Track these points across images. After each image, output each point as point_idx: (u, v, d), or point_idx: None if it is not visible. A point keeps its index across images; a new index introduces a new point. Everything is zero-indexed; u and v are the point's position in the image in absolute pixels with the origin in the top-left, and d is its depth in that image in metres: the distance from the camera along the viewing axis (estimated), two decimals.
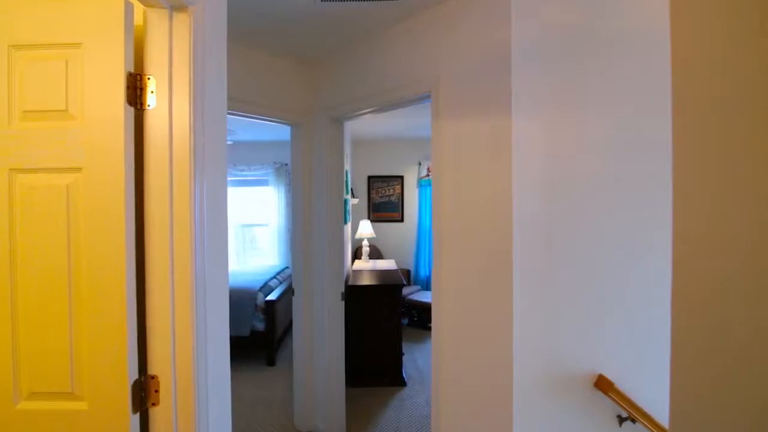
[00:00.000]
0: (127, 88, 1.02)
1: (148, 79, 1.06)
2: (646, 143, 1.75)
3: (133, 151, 1.04)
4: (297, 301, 2.73)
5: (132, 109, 1.04)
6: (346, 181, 3.92)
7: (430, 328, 5.41)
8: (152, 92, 1.06)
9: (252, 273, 4.69)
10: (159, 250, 1.06)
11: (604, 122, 1.74)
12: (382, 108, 2.34)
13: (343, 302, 2.71)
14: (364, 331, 3.51)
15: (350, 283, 3.57)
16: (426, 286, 5.91)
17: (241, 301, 3.85)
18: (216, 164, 1.21)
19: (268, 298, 3.89)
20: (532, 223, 1.73)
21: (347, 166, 4.17)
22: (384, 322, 3.53)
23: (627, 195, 1.78)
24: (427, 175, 5.98)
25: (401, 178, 6.09)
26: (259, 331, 3.86)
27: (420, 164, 6.04)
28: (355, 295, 3.50)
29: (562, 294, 1.75)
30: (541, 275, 1.74)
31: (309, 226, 2.70)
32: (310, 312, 2.71)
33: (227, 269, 1.30)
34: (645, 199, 1.77)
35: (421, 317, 5.22)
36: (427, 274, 5.95)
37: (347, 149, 4.27)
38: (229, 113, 2.33)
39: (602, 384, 1.81)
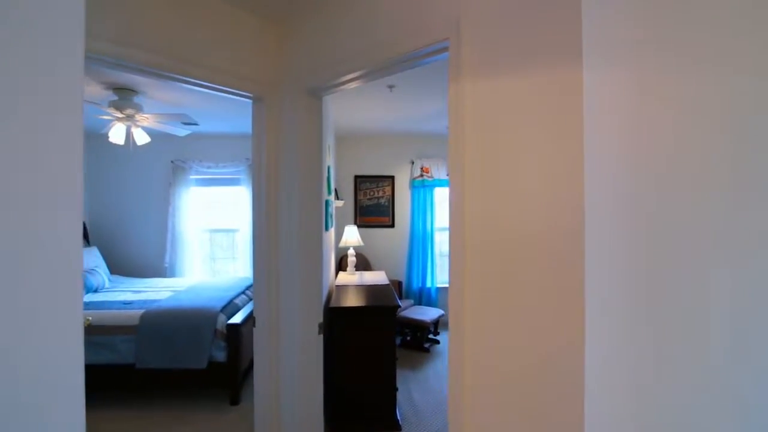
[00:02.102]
0: None
1: None
2: None
3: None
4: (259, 336, 2.03)
5: None
6: (329, 179, 3.25)
7: (426, 349, 4.74)
8: None
9: (215, 288, 3.96)
10: None
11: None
12: (375, 71, 1.68)
13: (321, 336, 2.03)
14: (350, 362, 2.83)
15: (333, 303, 2.89)
16: (420, 300, 5.25)
17: (196, 325, 3.12)
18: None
19: (232, 321, 3.17)
20: (618, 233, 1.09)
21: (330, 161, 3.50)
22: (375, 353, 2.85)
23: None
24: (421, 176, 5.35)
25: (392, 178, 5.44)
26: (220, 363, 3.13)
27: (413, 163, 5.40)
28: (338, 319, 2.81)
29: (668, 343, 1.11)
30: (633, 312, 1.10)
31: (275, 236, 2.02)
32: (277, 350, 2.02)
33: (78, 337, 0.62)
34: None
35: (415, 337, 4.55)
36: (421, 286, 5.29)
37: (329, 141, 3.60)
38: (157, 73, 1.65)
39: None
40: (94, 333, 2.98)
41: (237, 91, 1.92)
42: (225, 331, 3.16)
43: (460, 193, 1.35)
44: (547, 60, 1.17)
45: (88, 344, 3.01)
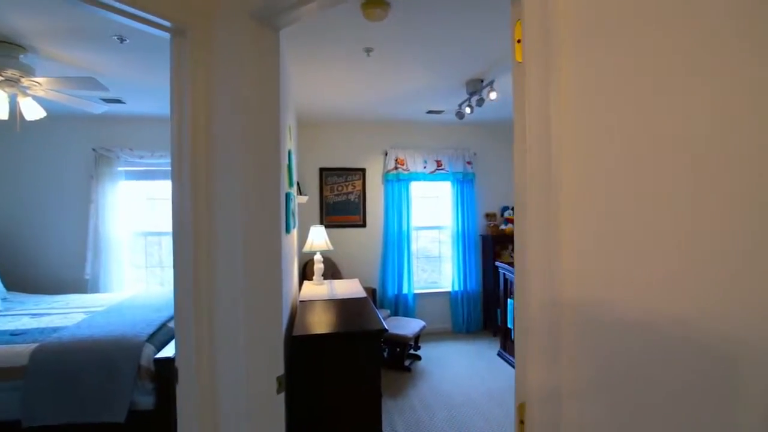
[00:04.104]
0: None
1: None
2: None
3: None
4: (184, 398, 1.32)
5: None
6: (290, 166, 2.54)
7: (407, 369, 4.03)
8: None
9: (146, 306, 3.12)
10: None
11: None
12: None
13: (282, 395, 1.35)
14: (320, 410, 2.15)
15: (297, 330, 2.19)
16: (396, 309, 4.63)
17: (111, 362, 2.32)
18: None
19: (162, 354, 2.39)
20: None
21: (291, 146, 2.79)
22: (354, 392, 2.19)
23: None
24: (396, 168, 4.72)
25: (362, 171, 4.78)
26: (146, 411, 2.35)
27: (386, 154, 4.77)
28: (304, 352, 2.13)
29: None
30: None
31: (209, 245, 1.31)
32: (214, 418, 1.31)
33: None
34: None
35: (393, 354, 3.92)
36: (397, 293, 4.67)
37: (290, 121, 2.89)
38: None
39: None
40: None
41: (143, 14, 1.20)
42: (152, 368, 2.37)
43: (546, 177, 0.73)
44: None
45: None
